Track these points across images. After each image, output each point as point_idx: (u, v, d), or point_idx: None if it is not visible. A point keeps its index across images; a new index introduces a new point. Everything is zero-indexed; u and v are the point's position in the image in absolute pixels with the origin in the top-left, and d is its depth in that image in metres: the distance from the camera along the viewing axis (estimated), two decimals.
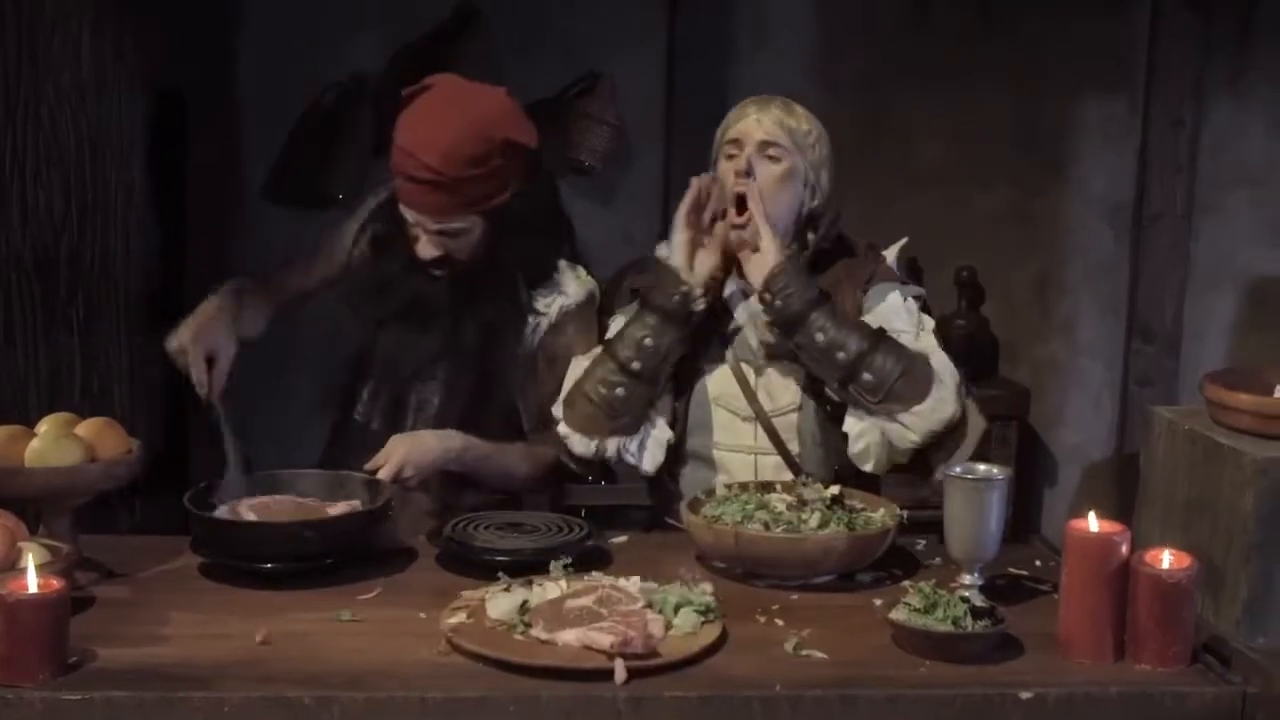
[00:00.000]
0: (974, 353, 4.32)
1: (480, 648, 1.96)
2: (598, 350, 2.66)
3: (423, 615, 2.12)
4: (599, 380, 2.60)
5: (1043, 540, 2.60)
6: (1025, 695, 1.91)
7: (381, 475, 2.52)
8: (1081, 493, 4.58)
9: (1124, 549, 2.02)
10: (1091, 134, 4.49)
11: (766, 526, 2.31)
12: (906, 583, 2.30)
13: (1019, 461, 4.26)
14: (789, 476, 2.58)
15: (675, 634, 2.02)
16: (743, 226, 2.59)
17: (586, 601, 2.05)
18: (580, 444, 2.63)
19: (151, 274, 3.47)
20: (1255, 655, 1.98)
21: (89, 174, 3.17)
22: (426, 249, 2.64)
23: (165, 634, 2.05)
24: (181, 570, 2.32)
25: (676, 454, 2.69)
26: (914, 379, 2.50)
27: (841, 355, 2.51)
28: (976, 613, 2.03)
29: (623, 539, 2.54)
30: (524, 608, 2.06)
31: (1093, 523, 2.05)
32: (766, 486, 2.49)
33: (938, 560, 2.42)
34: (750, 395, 2.64)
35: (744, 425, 2.65)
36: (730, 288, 2.67)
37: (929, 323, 2.62)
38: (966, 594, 2.11)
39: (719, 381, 2.66)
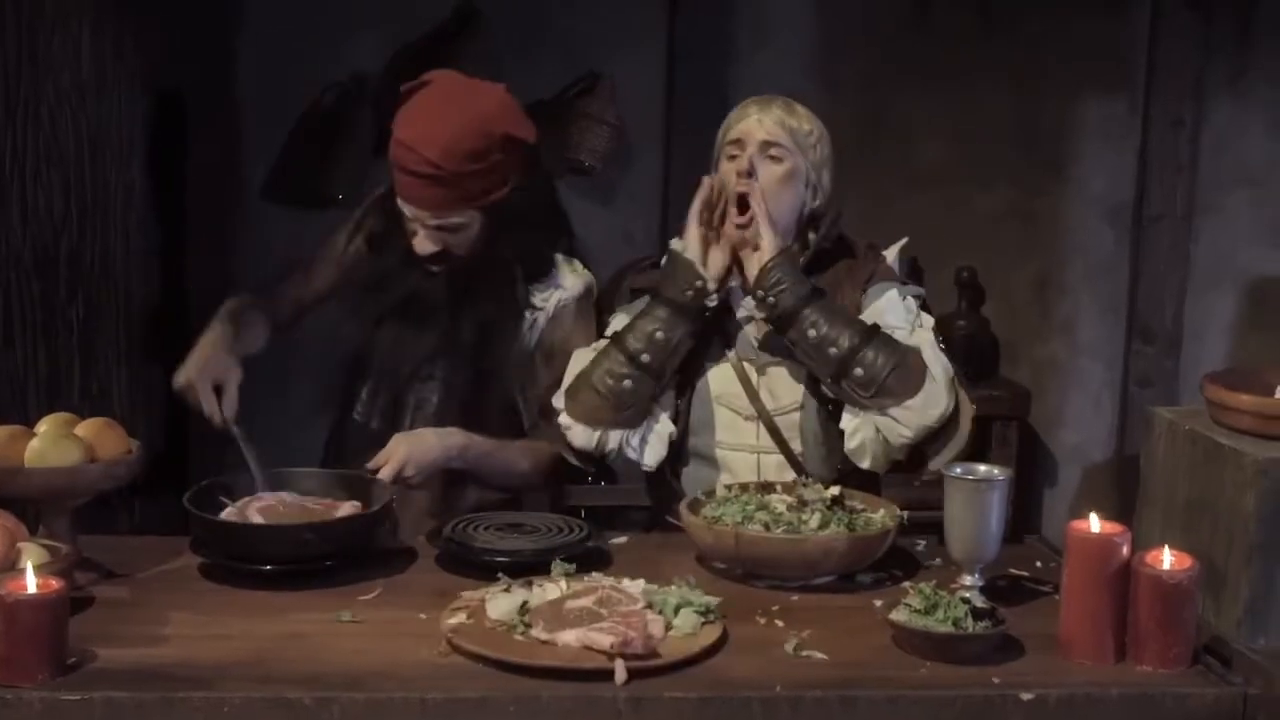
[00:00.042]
0: (974, 353, 4.32)
1: (480, 648, 1.96)
2: (602, 342, 2.66)
3: (423, 616, 2.12)
4: (606, 371, 2.60)
5: (1043, 541, 2.60)
6: (1026, 696, 1.91)
7: (383, 475, 2.52)
8: (1082, 493, 4.58)
9: (1125, 550, 2.02)
10: (1091, 134, 4.48)
11: (767, 527, 2.31)
12: (907, 584, 2.30)
13: (1019, 462, 4.26)
14: (792, 475, 2.58)
15: (675, 634, 2.02)
16: (745, 226, 2.60)
17: (587, 602, 2.05)
18: (582, 435, 2.62)
19: (151, 274, 3.47)
20: (1256, 656, 1.98)
21: (89, 174, 3.17)
22: (424, 244, 2.64)
23: (165, 634, 2.05)
24: (181, 571, 2.32)
25: (679, 453, 2.69)
26: (906, 374, 2.50)
27: (833, 351, 2.51)
28: (977, 614, 2.03)
29: (623, 540, 2.54)
30: (524, 608, 2.06)
31: (1094, 523, 2.05)
32: (766, 487, 2.49)
33: (938, 561, 2.42)
34: (752, 394, 2.64)
35: (746, 424, 2.65)
36: (733, 286, 2.67)
37: (928, 321, 2.62)
38: (967, 595, 2.11)
39: (721, 380, 2.66)
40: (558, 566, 2.23)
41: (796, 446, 2.63)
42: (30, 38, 3.05)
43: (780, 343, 2.60)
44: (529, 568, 2.25)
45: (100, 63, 3.17)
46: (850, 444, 2.57)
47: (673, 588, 2.13)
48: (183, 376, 2.65)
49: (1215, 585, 2.09)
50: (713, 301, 2.61)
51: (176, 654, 1.97)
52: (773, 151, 2.62)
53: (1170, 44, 4.41)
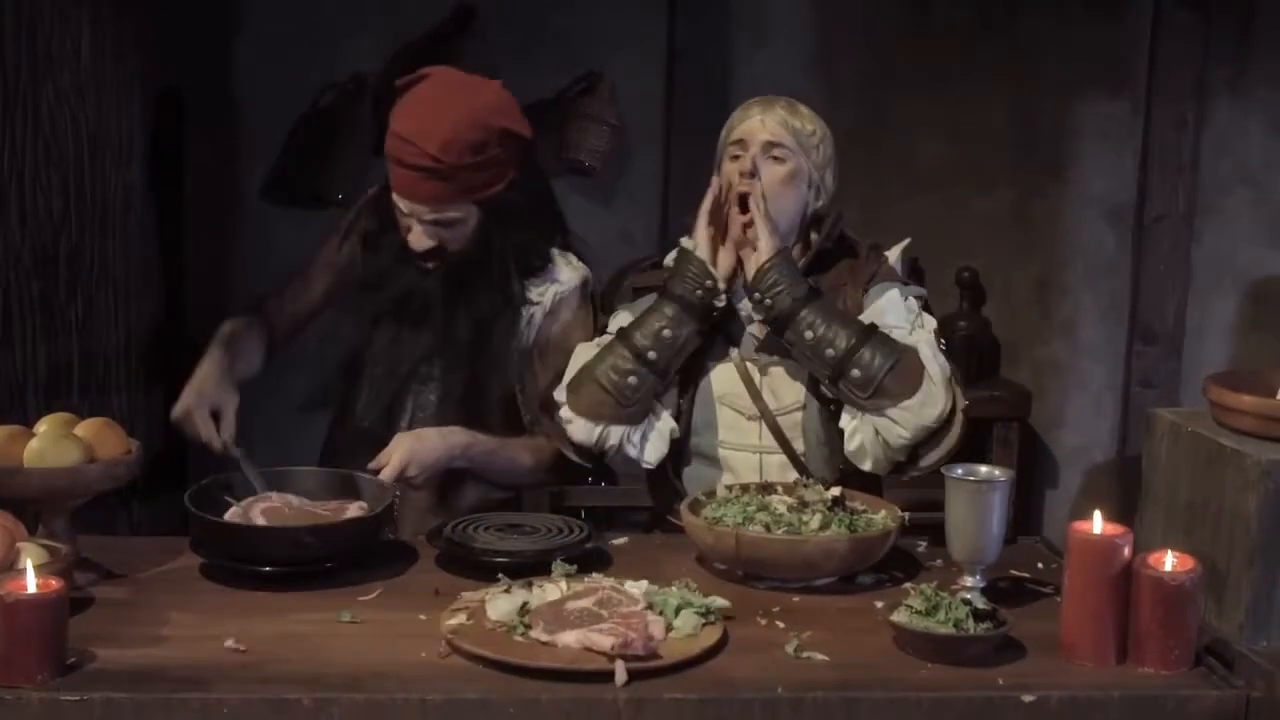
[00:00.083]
0: (975, 354, 4.32)
1: (480, 649, 1.95)
2: (607, 337, 2.65)
3: (423, 617, 2.12)
4: (611, 366, 2.59)
5: (1044, 542, 2.60)
6: (1027, 698, 1.90)
7: (385, 474, 2.51)
8: (1083, 495, 4.58)
9: (1126, 551, 2.01)
10: (1092, 135, 4.48)
11: (767, 528, 2.31)
12: (908, 585, 2.30)
13: (1020, 463, 4.25)
14: (794, 476, 2.58)
15: (676, 636, 2.01)
16: (748, 226, 2.59)
17: (587, 603, 2.04)
18: (583, 430, 2.62)
19: (151, 274, 3.46)
20: (1258, 659, 1.97)
21: (89, 174, 3.17)
22: (420, 240, 2.64)
23: (164, 635, 2.05)
24: (181, 571, 2.32)
25: (681, 452, 2.68)
26: (902, 374, 2.49)
27: (830, 352, 2.51)
28: (978, 615, 2.02)
29: (623, 540, 2.53)
30: (524, 609, 2.06)
31: (1095, 525, 2.04)
32: (767, 488, 2.49)
33: (939, 562, 2.42)
34: (755, 394, 2.64)
35: (749, 424, 2.65)
36: (737, 286, 2.66)
37: (930, 322, 2.62)
38: (968, 596, 2.10)
39: (724, 380, 2.66)
40: (558, 567, 2.23)
41: (799, 447, 2.63)
42: (30, 38, 3.04)
43: (776, 342, 2.60)
44: (529, 568, 2.25)
45: (100, 63, 3.17)
46: (850, 445, 2.56)
47: (673, 589, 2.12)
48: (180, 409, 2.65)
49: (1217, 587, 2.09)
50: (721, 302, 2.61)
51: (175, 655, 1.97)
52: (776, 152, 2.62)
53: (1170, 44, 4.40)
